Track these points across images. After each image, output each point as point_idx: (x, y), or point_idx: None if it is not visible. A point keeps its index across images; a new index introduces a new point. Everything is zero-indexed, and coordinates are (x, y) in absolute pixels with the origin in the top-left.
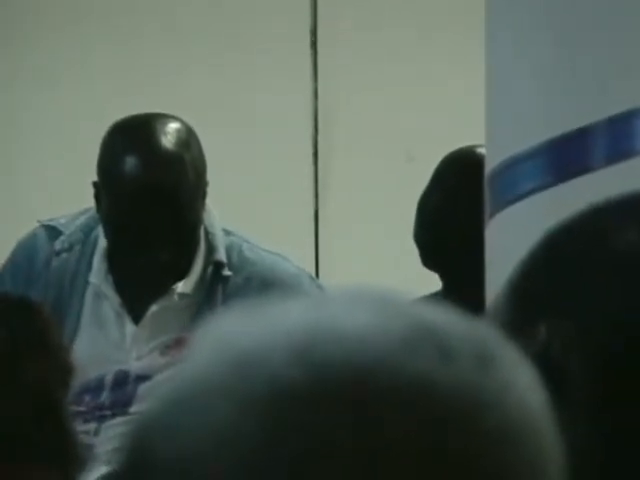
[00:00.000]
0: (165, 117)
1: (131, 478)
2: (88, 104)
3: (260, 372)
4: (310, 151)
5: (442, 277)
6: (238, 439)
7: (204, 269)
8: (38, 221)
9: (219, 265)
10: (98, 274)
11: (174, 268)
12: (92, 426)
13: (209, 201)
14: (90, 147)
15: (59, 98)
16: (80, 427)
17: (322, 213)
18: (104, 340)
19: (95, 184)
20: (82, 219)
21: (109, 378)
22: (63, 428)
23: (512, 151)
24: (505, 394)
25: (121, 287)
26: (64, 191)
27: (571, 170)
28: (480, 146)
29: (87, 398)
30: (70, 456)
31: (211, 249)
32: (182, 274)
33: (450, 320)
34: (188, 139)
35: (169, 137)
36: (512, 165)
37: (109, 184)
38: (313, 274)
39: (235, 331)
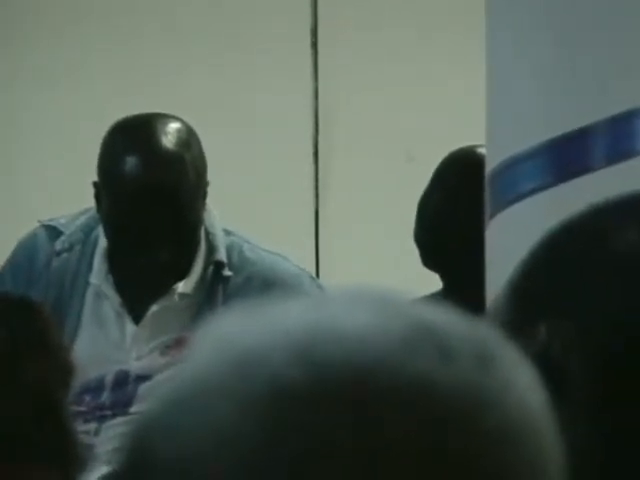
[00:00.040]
0: (165, 117)
1: (131, 478)
2: (88, 104)
3: (260, 372)
4: (310, 151)
5: (442, 277)
6: (238, 439)
7: (204, 269)
8: (38, 221)
9: (219, 265)
10: (98, 274)
11: (174, 268)
12: (92, 426)
13: (209, 201)
14: (90, 147)
15: (59, 98)
16: (80, 427)
17: (322, 213)
18: (104, 340)
19: (95, 184)
20: (82, 219)
21: (109, 378)
22: (63, 428)
23: (512, 151)
24: (505, 394)
25: (121, 287)
26: (64, 191)
27: (571, 170)
28: (481, 146)
29: (87, 398)
30: (70, 456)
31: (212, 249)
32: (182, 274)
33: (450, 320)
34: (188, 139)
35: (169, 137)
36: (512, 165)
37: (109, 184)
38: (313, 274)
39: (235, 331)
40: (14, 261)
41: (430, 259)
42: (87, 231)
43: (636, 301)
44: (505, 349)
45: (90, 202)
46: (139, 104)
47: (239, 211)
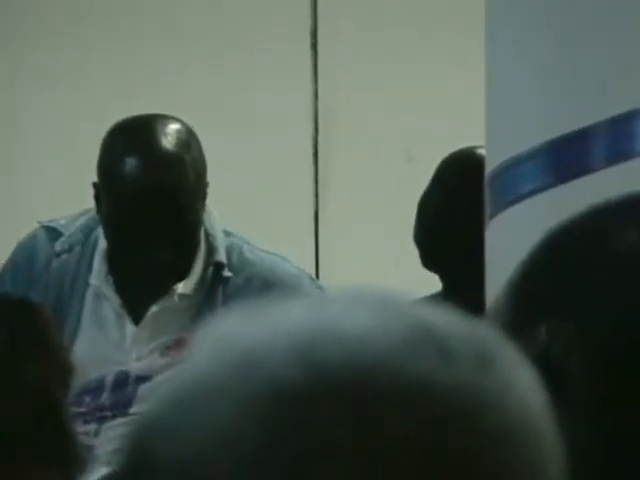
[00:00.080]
0: (165, 118)
1: (131, 479)
2: (88, 104)
3: (260, 372)
4: (310, 151)
5: (442, 278)
6: (238, 439)
7: (204, 270)
8: (38, 222)
9: (219, 266)
10: (98, 275)
11: (174, 269)
12: (92, 427)
13: (209, 201)
14: (90, 147)
15: (59, 98)
16: (80, 428)
17: (322, 213)
18: (104, 341)
19: (95, 185)
20: (82, 220)
21: (109, 379)
22: (63, 428)
23: (512, 152)
24: (505, 394)
25: (121, 288)
26: (64, 191)
27: (571, 171)
28: (481, 147)
29: (87, 399)
30: (70, 456)
31: (211, 250)
32: (182, 275)
33: (450, 321)
34: (188, 140)
35: (169, 138)
36: (512, 166)
37: (109, 185)
38: (313, 274)
39: (235, 332)
40: (14, 262)
41: (430, 260)
42: (87, 232)
43: (636, 302)
44: (505, 350)
45: (90, 202)
46: (139, 104)
47: (239, 211)
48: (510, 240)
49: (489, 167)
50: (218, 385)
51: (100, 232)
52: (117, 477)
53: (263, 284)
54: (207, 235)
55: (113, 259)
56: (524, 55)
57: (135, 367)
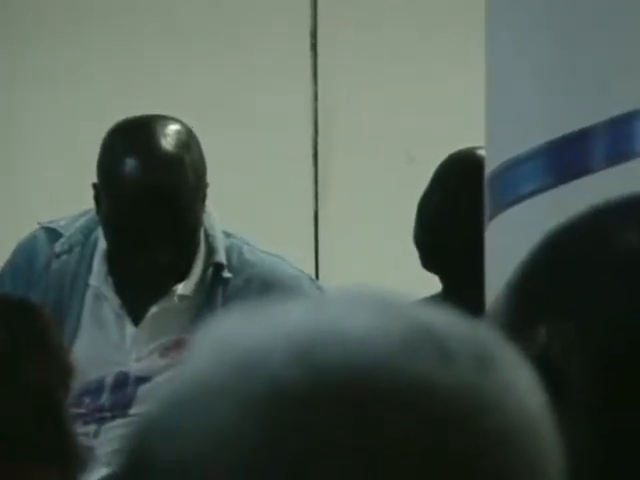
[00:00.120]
0: (165, 119)
1: None
2: (88, 104)
3: (260, 373)
4: (310, 151)
5: (442, 279)
6: (238, 440)
7: (204, 271)
8: (38, 223)
9: (219, 267)
10: (98, 276)
11: (174, 270)
12: (92, 428)
13: (209, 201)
14: (90, 147)
15: (59, 98)
16: (80, 429)
17: (322, 213)
18: (104, 342)
19: (95, 186)
20: (82, 221)
21: (109, 380)
22: (63, 428)
23: (512, 152)
24: (505, 395)
25: (121, 289)
26: (64, 191)
27: (571, 171)
28: (481, 148)
29: (87, 400)
30: (70, 456)
31: (211, 251)
32: (182, 276)
33: (450, 322)
34: (188, 141)
35: (169, 139)
36: (512, 167)
37: (109, 186)
38: (313, 275)
39: (235, 332)
40: (14, 263)
41: (430, 261)
42: (86, 233)
43: (636, 302)
44: (505, 350)
45: (90, 203)
46: (139, 104)
47: (239, 212)
48: (510, 241)
49: (489, 168)
50: (218, 386)
51: (100, 233)
52: (117, 478)
53: (263, 285)
54: (207, 236)
55: (113, 260)
56: (524, 55)
57: (135, 368)
